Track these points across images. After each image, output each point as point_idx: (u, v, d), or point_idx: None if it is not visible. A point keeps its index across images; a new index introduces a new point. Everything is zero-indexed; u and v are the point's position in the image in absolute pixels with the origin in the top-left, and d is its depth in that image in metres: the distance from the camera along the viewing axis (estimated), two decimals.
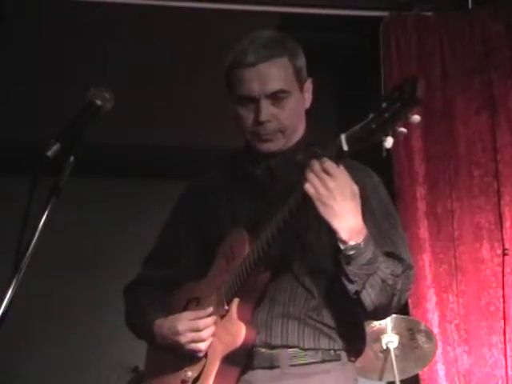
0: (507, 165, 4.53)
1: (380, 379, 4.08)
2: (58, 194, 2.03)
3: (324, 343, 2.39)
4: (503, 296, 4.41)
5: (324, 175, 2.18)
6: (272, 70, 2.40)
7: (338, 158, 2.17)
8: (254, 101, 2.41)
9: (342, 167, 2.20)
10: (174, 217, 2.68)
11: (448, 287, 4.47)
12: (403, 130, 2.05)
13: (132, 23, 4.61)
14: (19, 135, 4.55)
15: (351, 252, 2.22)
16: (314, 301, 2.39)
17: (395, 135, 2.06)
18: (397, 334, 3.95)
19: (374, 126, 2.05)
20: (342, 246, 2.22)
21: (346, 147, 2.12)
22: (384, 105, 2.03)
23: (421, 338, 4.00)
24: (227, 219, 2.51)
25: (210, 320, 2.41)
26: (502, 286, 4.42)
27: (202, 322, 2.41)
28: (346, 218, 2.20)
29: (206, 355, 2.42)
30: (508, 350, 4.36)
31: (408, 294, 2.40)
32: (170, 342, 2.45)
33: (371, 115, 2.06)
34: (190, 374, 2.44)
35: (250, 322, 2.37)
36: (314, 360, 2.38)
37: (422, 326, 4.03)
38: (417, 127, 4.60)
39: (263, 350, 2.38)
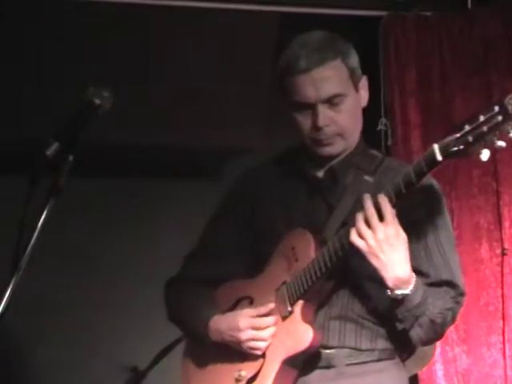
0: (506, 165, 4.53)
1: None
2: (57, 194, 2.03)
3: (381, 344, 2.42)
4: (502, 296, 4.41)
5: (375, 223, 2.22)
6: (326, 74, 2.38)
7: (429, 167, 2.18)
8: (311, 106, 2.40)
9: (394, 212, 2.23)
10: (222, 211, 2.66)
11: None
12: (502, 143, 2.07)
13: (133, 23, 4.61)
14: (17, 134, 4.55)
15: (398, 297, 2.27)
16: (370, 304, 2.40)
17: (492, 148, 2.07)
18: None
19: (471, 138, 2.06)
20: (388, 293, 2.28)
21: (440, 157, 2.14)
22: (482, 118, 2.04)
23: None
24: (281, 218, 2.50)
25: (272, 320, 2.40)
26: (501, 285, 4.42)
27: (263, 321, 2.40)
28: (393, 268, 2.25)
29: (263, 355, 2.41)
30: (507, 349, 4.36)
31: (457, 316, 2.45)
32: (228, 338, 2.44)
33: (467, 127, 2.07)
34: (245, 373, 2.42)
35: (314, 325, 2.36)
36: (370, 359, 2.40)
37: None
38: (415, 127, 4.61)
39: (320, 349, 2.39)
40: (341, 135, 2.43)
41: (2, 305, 1.94)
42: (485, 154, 2.07)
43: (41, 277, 4.07)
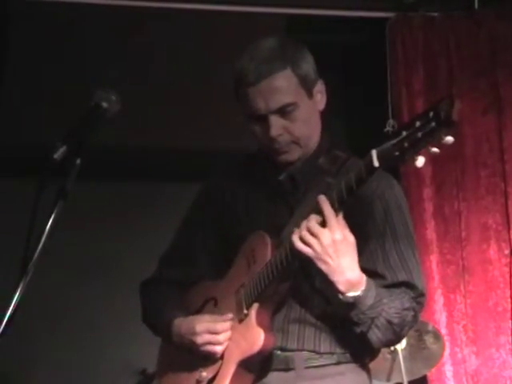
0: None
1: (388, 380, 4.08)
2: (64, 197, 2.03)
3: (340, 347, 2.41)
4: (511, 296, 4.41)
5: (319, 230, 2.22)
6: (274, 85, 2.36)
7: (368, 173, 2.16)
8: (263, 117, 2.39)
9: (340, 217, 2.23)
10: (191, 215, 2.68)
11: (455, 288, 4.47)
12: (436, 150, 2.03)
13: (135, 25, 4.62)
14: (25, 137, 4.56)
15: (350, 300, 2.27)
16: (329, 307, 2.38)
17: (427, 155, 2.04)
18: None
19: (406, 144, 2.04)
20: (340, 297, 2.27)
21: (376, 163, 2.11)
22: (418, 123, 2.01)
23: (428, 339, 3.99)
24: (246, 221, 2.52)
25: (228, 324, 2.42)
26: (509, 286, 4.42)
27: (219, 325, 2.42)
28: (342, 272, 2.25)
29: (222, 357, 2.43)
30: None
31: (419, 315, 2.43)
32: (187, 341, 2.46)
33: (404, 133, 2.04)
34: (205, 374, 2.45)
35: (268, 328, 2.37)
36: (329, 362, 2.40)
37: (430, 327, 4.03)
38: None
39: (279, 352, 2.40)
40: (296, 143, 2.43)
41: (11, 307, 1.95)
42: (420, 161, 2.04)
43: (49, 279, 4.08)
